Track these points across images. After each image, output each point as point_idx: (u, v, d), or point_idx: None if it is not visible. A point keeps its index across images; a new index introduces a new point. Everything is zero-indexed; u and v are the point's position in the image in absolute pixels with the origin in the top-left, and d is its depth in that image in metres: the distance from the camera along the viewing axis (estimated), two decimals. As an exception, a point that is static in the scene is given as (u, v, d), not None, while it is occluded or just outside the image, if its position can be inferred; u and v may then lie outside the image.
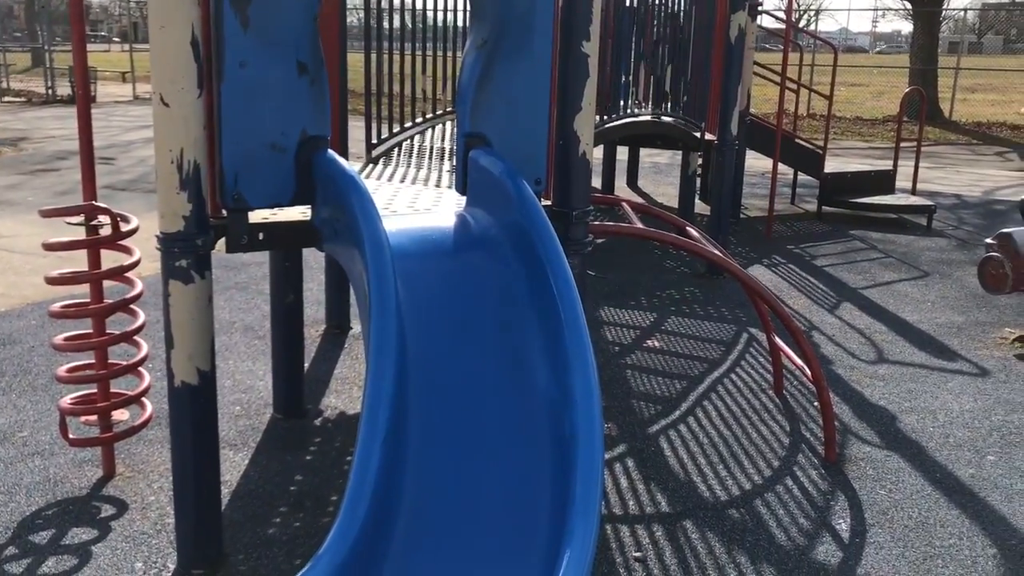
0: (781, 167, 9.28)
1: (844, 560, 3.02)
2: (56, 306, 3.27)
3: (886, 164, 9.90)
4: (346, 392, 4.35)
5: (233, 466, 3.55)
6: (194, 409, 2.74)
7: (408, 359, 2.56)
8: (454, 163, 3.64)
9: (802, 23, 41.97)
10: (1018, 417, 4.24)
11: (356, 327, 5.20)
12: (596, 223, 3.76)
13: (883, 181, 9.46)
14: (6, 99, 20.59)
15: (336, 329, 5.20)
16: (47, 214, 3.24)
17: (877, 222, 8.93)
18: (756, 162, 10.64)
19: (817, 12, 46.01)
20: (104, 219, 3.25)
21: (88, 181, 3.24)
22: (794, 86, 9.60)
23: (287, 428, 3.96)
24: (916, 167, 9.94)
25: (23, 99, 20.68)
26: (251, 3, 2.58)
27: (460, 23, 5.85)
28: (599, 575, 2.90)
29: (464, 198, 3.13)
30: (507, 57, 3.03)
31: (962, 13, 38.17)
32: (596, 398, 2.47)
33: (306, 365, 4.46)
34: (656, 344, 5.16)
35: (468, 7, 3.46)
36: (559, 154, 3.18)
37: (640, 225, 3.88)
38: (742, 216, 9.08)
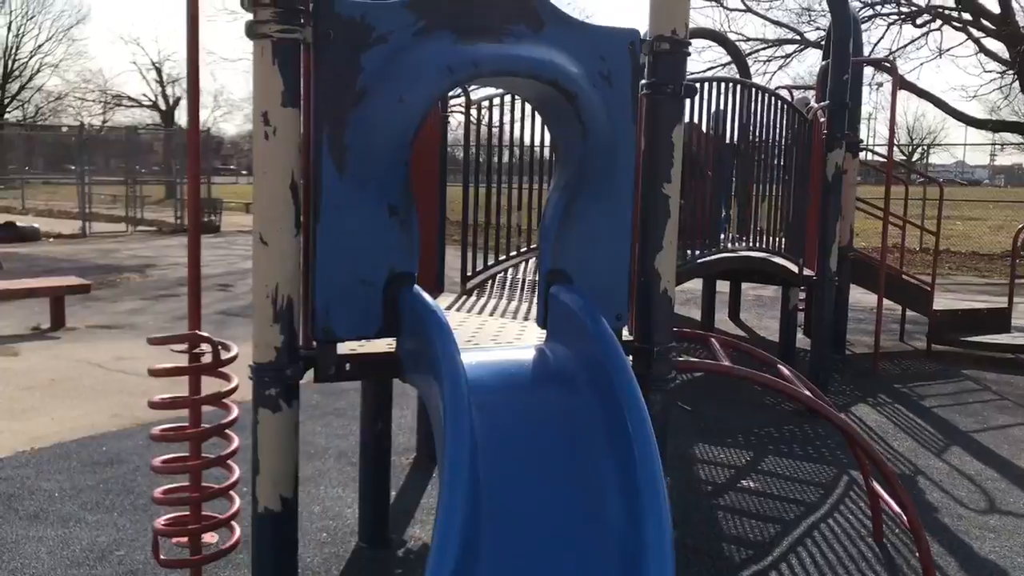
0: (890, 304, 9.09)
1: None
2: (157, 429, 3.43)
3: (1001, 301, 9.55)
4: (431, 523, 4.36)
5: (313, 595, 3.59)
6: (276, 535, 2.82)
7: (481, 491, 2.58)
8: (540, 298, 3.72)
9: (915, 157, 41.60)
10: None
11: (446, 456, 5.23)
12: (682, 360, 3.76)
13: (998, 319, 9.12)
14: (140, 228, 22.03)
15: (426, 458, 5.25)
16: (155, 342, 3.44)
17: (991, 362, 8.55)
18: (863, 297, 10.42)
19: (929, 146, 45.51)
20: (206, 347, 3.43)
21: (194, 310, 3.44)
22: (899, 221, 9.46)
23: (370, 558, 3.98)
24: (1033, 304, 9.56)
25: (154, 228, 22.10)
26: (347, 152, 2.77)
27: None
28: None
29: (545, 332, 3.19)
30: (588, 197, 3.13)
31: (1084, 146, 37.11)
32: (668, 546, 2.42)
33: (394, 493, 4.50)
34: (752, 484, 5.02)
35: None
36: (640, 291, 3.23)
37: (727, 363, 3.86)
38: (847, 353, 8.86)
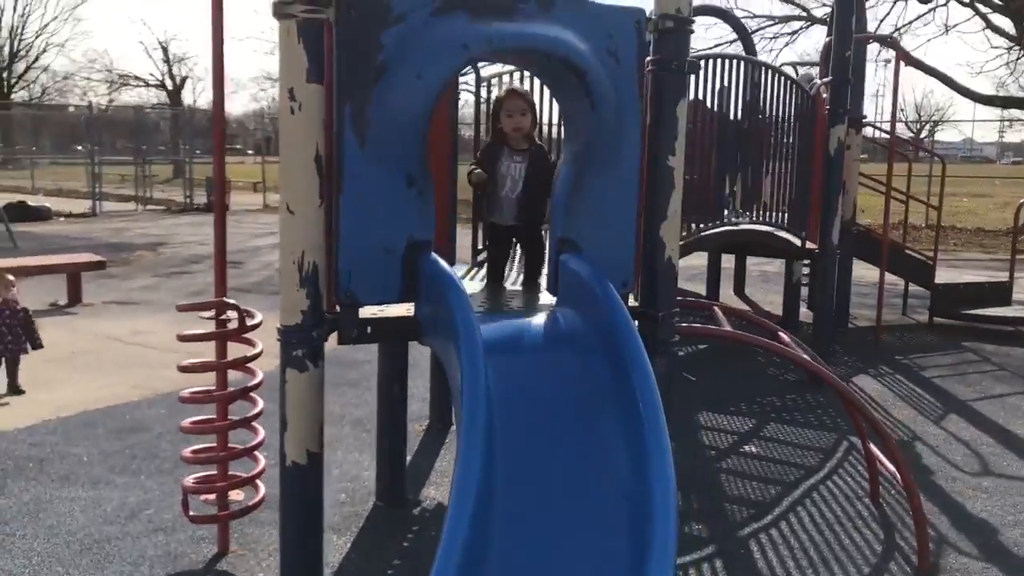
0: (894, 278, 9.24)
1: (932, 669, 2.99)
2: (185, 392, 3.61)
3: (1004, 275, 9.68)
4: (445, 485, 4.54)
5: (336, 549, 3.77)
6: (303, 487, 2.99)
7: (496, 447, 2.74)
8: (550, 267, 3.88)
9: (923, 134, 41.50)
10: None
11: (458, 424, 5.41)
12: (685, 325, 3.91)
13: (999, 292, 9.26)
14: (149, 207, 22.22)
15: (439, 424, 5.43)
16: (183, 308, 3.62)
17: (991, 334, 8.70)
18: (867, 272, 10.55)
19: (936, 123, 45.35)
20: (232, 315, 3.60)
21: (220, 280, 3.61)
22: (902, 197, 9.58)
23: (388, 516, 4.17)
24: (1034, 278, 9.68)
25: (163, 207, 22.28)
26: (368, 126, 2.92)
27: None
28: (679, 669, 2.95)
29: (555, 298, 3.35)
30: (597, 171, 3.28)
31: (1091, 123, 37.02)
32: (672, 496, 2.57)
33: (408, 458, 4.68)
34: (754, 450, 5.18)
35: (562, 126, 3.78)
36: (646, 259, 3.38)
37: (728, 328, 4.01)
38: (851, 326, 9.01)
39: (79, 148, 32.43)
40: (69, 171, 30.32)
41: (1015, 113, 31.91)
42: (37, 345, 5.96)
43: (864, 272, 10.43)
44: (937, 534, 4.03)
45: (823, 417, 5.89)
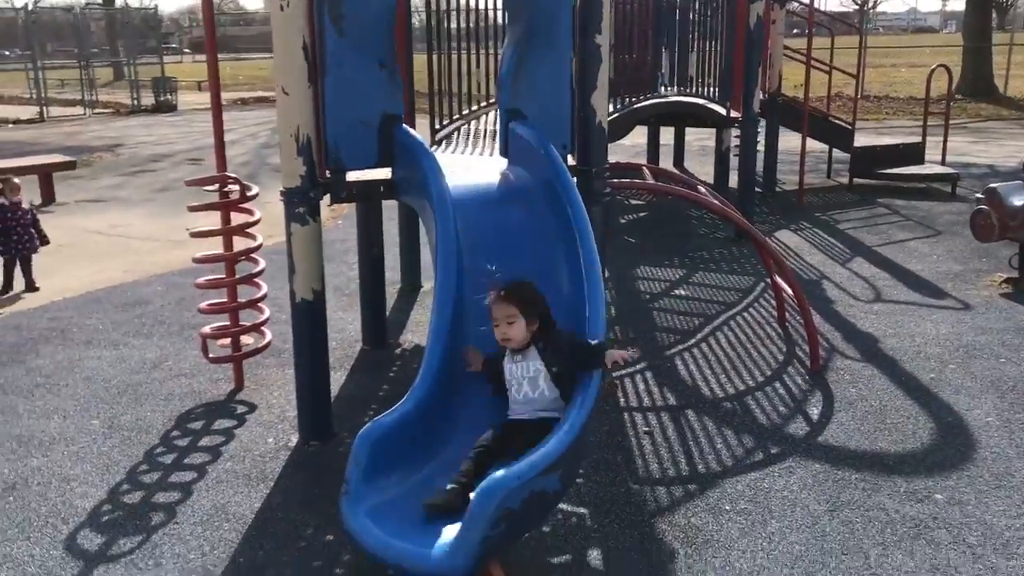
0: (820, 145, 10.04)
1: (810, 433, 3.85)
2: (199, 254, 4.27)
3: (918, 138, 10.50)
4: (420, 331, 5.29)
5: (334, 381, 4.49)
6: (311, 320, 3.71)
7: (464, 273, 3.47)
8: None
9: (869, 4, 41.92)
10: (986, 338, 4.98)
11: (427, 285, 6.14)
12: (616, 180, 4.62)
13: (912, 153, 10.09)
14: (96, 111, 22.15)
15: (409, 287, 6.15)
16: (192, 183, 4.25)
17: (904, 191, 9.58)
18: (797, 142, 11.32)
19: (877, -6, 45.69)
20: (233, 187, 4.23)
21: (220, 159, 4.23)
22: (825, 67, 10.26)
23: (374, 356, 4.92)
24: (945, 138, 10.49)
25: (111, 110, 22.22)
26: (344, 18, 3.52)
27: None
28: (614, 444, 3.77)
29: (506, 160, 4.04)
30: (536, 51, 3.93)
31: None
32: (601, 301, 3.30)
33: (386, 313, 5.41)
34: (683, 292, 5.99)
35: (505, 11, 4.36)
36: (581, 125, 4.07)
37: (652, 181, 4.74)
38: (778, 190, 9.83)
39: (7, 53, 31.64)
40: (3, 76, 29.78)
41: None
42: (45, 242, 6.44)
43: (794, 142, 11.19)
44: (829, 345, 4.90)
45: (745, 265, 6.71)
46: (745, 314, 5.52)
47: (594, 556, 2.98)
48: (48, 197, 9.85)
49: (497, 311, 3.07)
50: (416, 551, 2.63)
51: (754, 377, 4.49)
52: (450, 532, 2.65)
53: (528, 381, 3.07)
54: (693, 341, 5.04)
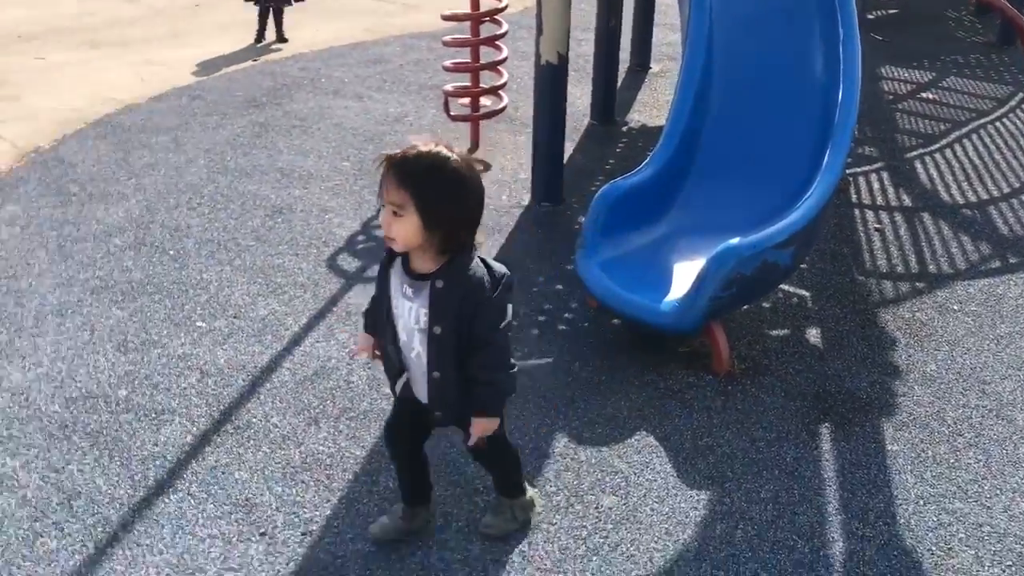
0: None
1: (1056, 249, 3.67)
2: (448, 11, 4.39)
3: None
4: (647, 112, 5.29)
5: (564, 150, 4.64)
6: (554, 83, 3.80)
7: (714, 46, 3.43)
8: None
9: None
10: None
11: (655, 66, 6.05)
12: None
13: None
14: None
15: (638, 67, 6.08)
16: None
17: None
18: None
19: None
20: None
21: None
22: None
23: (602, 131, 4.99)
24: None
25: None
26: None
27: None
28: (843, 236, 3.74)
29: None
30: None
31: None
32: (857, 84, 3.19)
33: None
34: (931, 96, 5.63)
35: None
36: None
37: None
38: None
39: None
40: None
41: None
42: None
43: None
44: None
45: (1004, 74, 6.16)
46: (999, 123, 5.14)
47: (813, 334, 3.06)
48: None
49: (386, 191, 1.86)
50: (645, 303, 2.80)
51: (999, 188, 4.26)
52: (680, 289, 2.80)
53: (417, 335, 1.94)
54: (936, 146, 4.78)
